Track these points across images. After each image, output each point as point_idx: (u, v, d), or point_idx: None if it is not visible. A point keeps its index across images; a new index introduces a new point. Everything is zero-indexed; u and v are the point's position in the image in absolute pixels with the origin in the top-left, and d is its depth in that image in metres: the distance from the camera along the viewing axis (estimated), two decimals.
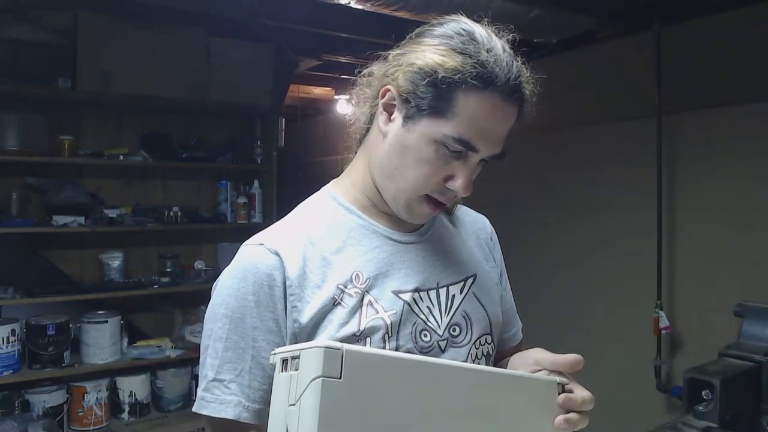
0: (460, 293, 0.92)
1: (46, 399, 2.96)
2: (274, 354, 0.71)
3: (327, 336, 0.81)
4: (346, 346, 0.66)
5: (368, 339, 0.82)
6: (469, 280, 0.94)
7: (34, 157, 3.03)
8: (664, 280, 2.51)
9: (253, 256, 0.84)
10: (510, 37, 0.84)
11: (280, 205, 3.76)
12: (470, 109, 0.79)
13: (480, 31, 0.82)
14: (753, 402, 1.31)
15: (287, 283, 0.82)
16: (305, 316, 0.82)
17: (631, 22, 2.64)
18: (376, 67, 0.88)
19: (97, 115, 3.42)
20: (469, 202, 1.02)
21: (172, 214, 3.40)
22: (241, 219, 3.65)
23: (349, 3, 2.30)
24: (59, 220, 3.05)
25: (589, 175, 2.83)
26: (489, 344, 0.93)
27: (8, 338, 2.83)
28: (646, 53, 2.54)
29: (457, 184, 0.83)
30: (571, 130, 2.90)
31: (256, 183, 3.69)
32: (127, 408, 3.17)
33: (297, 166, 4.59)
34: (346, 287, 0.84)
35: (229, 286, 0.84)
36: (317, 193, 0.96)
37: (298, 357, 0.66)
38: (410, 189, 0.85)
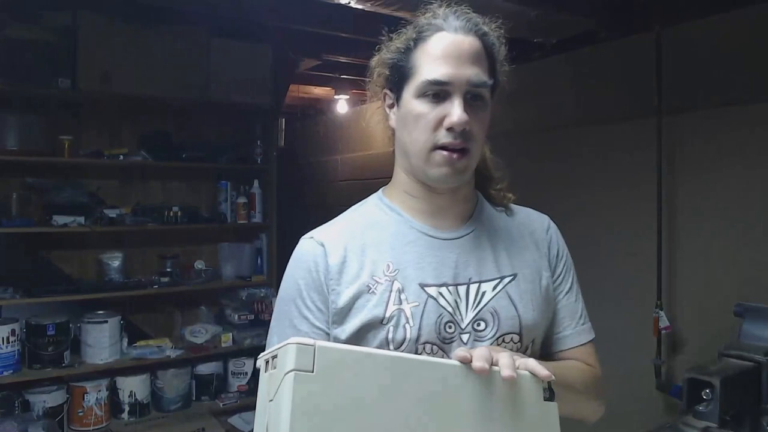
0: (492, 291, 0.95)
1: (46, 399, 2.96)
2: (259, 358, 0.75)
3: (358, 318, 0.91)
4: (319, 343, 0.69)
5: (390, 326, 0.90)
6: (506, 279, 0.97)
7: (33, 157, 3.03)
8: (664, 280, 2.51)
9: (304, 247, 0.98)
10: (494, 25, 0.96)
11: (280, 205, 3.76)
12: (427, 54, 0.92)
13: (439, 7, 0.96)
14: (753, 402, 1.31)
15: (329, 269, 0.94)
16: (342, 299, 0.93)
17: (631, 22, 2.64)
18: (372, 76, 1.01)
19: (97, 115, 3.42)
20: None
21: (172, 214, 3.40)
22: (241, 219, 3.65)
23: (349, 3, 2.30)
24: (59, 220, 3.05)
25: (589, 175, 2.83)
26: (515, 344, 0.94)
27: (8, 338, 2.83)
28: (646, 53, 2.54)
29: (453, 117, 0.89)
30: (571, 129, 2.90)
31: (256, 183, 3.69)
32: (127, 408, 3.17)
33: (297, 166, 4.59)
34: (378, 276, 0.93)
35: (288, 274, 0.99)
36: (371, 196, 1.07)
37: (276, 356, 0.70)
38: (420, 147, 0.93)
